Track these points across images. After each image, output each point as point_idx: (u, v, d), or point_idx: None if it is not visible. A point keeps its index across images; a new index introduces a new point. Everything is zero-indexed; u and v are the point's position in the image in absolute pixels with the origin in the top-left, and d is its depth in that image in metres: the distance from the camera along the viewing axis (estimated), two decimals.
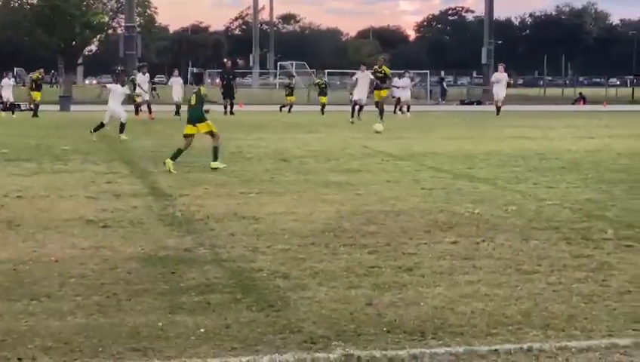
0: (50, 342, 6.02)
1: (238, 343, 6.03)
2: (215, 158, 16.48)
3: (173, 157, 16.20)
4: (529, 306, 6.97)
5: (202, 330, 6.30)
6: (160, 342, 6.05)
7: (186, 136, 16.75)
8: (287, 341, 6.08)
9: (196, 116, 16.71)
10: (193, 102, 16.81)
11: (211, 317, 6.62)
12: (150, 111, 35.86)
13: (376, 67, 34.51)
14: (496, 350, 5.90)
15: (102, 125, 23.82)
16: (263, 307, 6.89)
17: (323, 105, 41.60)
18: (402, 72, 47.33)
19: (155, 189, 13.82)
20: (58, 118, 35.79)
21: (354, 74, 37.72)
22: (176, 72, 42.87)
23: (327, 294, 7.29)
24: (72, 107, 44.58)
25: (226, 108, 39.15)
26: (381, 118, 32.03)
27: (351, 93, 37.75)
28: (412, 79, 51.17)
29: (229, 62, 44.84)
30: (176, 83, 40.29)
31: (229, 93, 39.96)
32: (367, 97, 34.36)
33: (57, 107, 42.87)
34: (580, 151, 21.03)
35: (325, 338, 6.12)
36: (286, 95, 44.94)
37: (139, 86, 36.54)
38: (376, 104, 34.27)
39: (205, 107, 16.90)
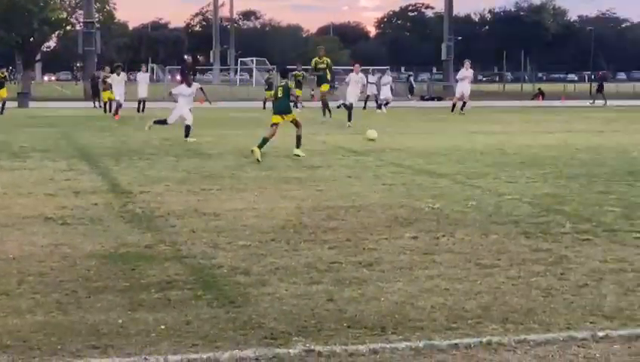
0: (9, 340, 5.97)
1: (198, 339, 6.02)
2: (298, 146, 18.43)
3: (260, 146, 17.77)
4: (488, 300, 7.02)
5: (162, 327, 6.28)
6: (120, 339, 6.02)
7: (272, 125, 18.53)
8: (247, 337, 6.08)
9: (284, 107, 18.63)
10: (280, 94, 18.61)
11: (172, 314, 6.60)
12: (117, 112, 35.07)
13: (316, 59, 31.59)
14: (455, 344, 5.94)
15: (164, 121, 22.52)
16: (223, 303, 6.88)
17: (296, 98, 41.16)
18: (386, 68, 47.16)
19: (115, 186, 13.75)
20: (16, 115, 35.42)
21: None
22: (143, 68, 42.50)
23: (287, 290, 7.30)
24: (31, 104, 44.19)
25: None
26: (324, 113, 31.35)
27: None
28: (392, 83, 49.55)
29: (190, 58, 44.54)
30: (142, 79, 39.78)
31: None
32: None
33: (15, 104, 42.45)
34: (538, 146, 21.21)
35: (286, 334, 6.13)
36: (265, 90, 44.68)
37: (108, 85, 36.28)
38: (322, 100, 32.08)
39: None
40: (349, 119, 28.96)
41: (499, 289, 7.35)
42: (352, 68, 35.32)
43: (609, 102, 52.20)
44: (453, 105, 37.61)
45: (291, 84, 19.72)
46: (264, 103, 42.85)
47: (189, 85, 22.73)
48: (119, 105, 34.92)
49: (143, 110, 37.19)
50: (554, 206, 11.90)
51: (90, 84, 48.55)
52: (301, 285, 7.47)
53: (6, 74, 40.71)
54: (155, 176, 14.93)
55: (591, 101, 51.20)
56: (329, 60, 31.35)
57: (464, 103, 37.33)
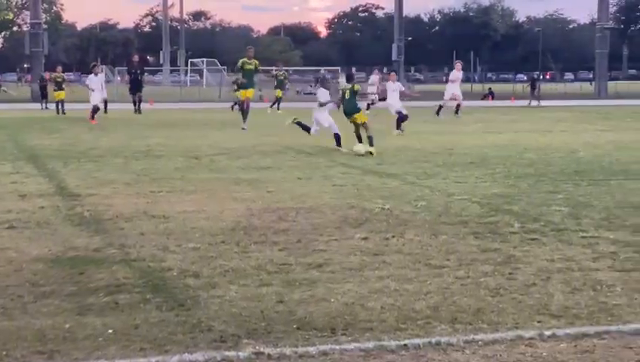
0: None
1: (147, 343, 5.97)
2: (371, 144, 19.15)
3: (371, 144, 19.15)
4: (438, 300, 7.05)
5: (111, 331, 6.21)
6: (67, 344, 5.95)
7: (357, 125, 19.85)
8: (196, 340, 6.04)
9: (350, 108, 19.90)
10: (347, 96, 19.94)
11: (120, 318, 6.54)
12: (93, 116, 32.17)
13: (244, 59, 28.29)
14: (405, 345, 5.95)
15: (307, 129, 20.93)
16: (172, 306, 6.83)
17: (278, 100, 41.45)
18: (374, 68, 47.40)
19: (63, 189, 13.60)
20: None
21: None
22: (98, 69, 42.05)
23: (237, 292, 7.27)
24: None
25: (135, 104, 38.69)
26: (244, 119, 27.93)
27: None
28: (382, 78, 48.22)
29: (137, 57, 44.11)
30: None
31: (136, 90, 39.27)
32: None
33: None
34: (488, 146, 21.38)
35: (235, 337, 6.10)
36: (234, 91, 44.33)
37: (88, 87, 34.97)
38: (241, 105, 28.98)
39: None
40: (398, 126, 26.53)
41: (448, 290, 7.39)
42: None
43: (553, 103, 52.72)
44: (439, 108, 35.97)
45: (357, 86, 20.48)
46: (233, 106, 42.58)
47: (328, 88, 21.41)
48: (106, 105, 34.22)
49: (105, 110, 36.67)
50: (503, 206, 11.99)
51: (39, 85, 47.97)
52: (251, 287, 7.45)
53: None
54: (103, 178, 14.80)
55: (536, 102, 51.65)
56: (257, 62, 28.83)
57: (458, 105, 36.40)
